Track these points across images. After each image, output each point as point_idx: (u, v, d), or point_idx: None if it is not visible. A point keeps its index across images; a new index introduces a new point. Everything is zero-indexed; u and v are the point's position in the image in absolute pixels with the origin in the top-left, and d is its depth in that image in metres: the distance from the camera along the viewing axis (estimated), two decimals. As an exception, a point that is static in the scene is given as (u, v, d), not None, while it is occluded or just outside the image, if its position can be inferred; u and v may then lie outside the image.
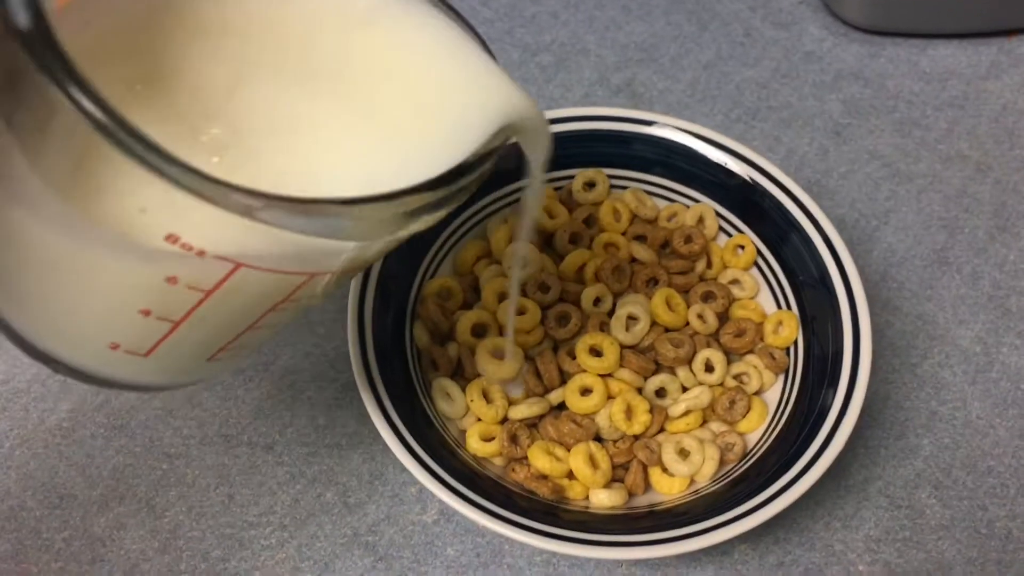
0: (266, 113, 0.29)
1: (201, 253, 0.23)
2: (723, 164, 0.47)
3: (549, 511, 0.40)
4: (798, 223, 0.45)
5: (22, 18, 0.20)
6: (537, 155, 0.33)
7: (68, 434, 0.46)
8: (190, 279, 0.25)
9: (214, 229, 0.23)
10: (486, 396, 0.43)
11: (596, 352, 0.44)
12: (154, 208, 0.23)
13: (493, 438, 0.42)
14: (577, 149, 0.49)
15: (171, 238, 0.23)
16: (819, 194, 0.55)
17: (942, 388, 0.48)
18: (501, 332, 0.45)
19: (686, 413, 0.43)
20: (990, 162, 0.57)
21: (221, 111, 0.28)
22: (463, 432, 0.43)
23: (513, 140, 0.31)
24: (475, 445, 0.42)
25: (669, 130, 0.48)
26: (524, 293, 0.46)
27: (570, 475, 0.42)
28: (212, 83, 0.28)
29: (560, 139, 0.48)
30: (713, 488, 0.41)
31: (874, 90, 0.60)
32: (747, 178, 0.47)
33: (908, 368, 0.49)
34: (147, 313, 0.26)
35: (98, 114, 0.20)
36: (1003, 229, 0.54)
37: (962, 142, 0.58)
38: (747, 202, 0.47)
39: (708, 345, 0.45)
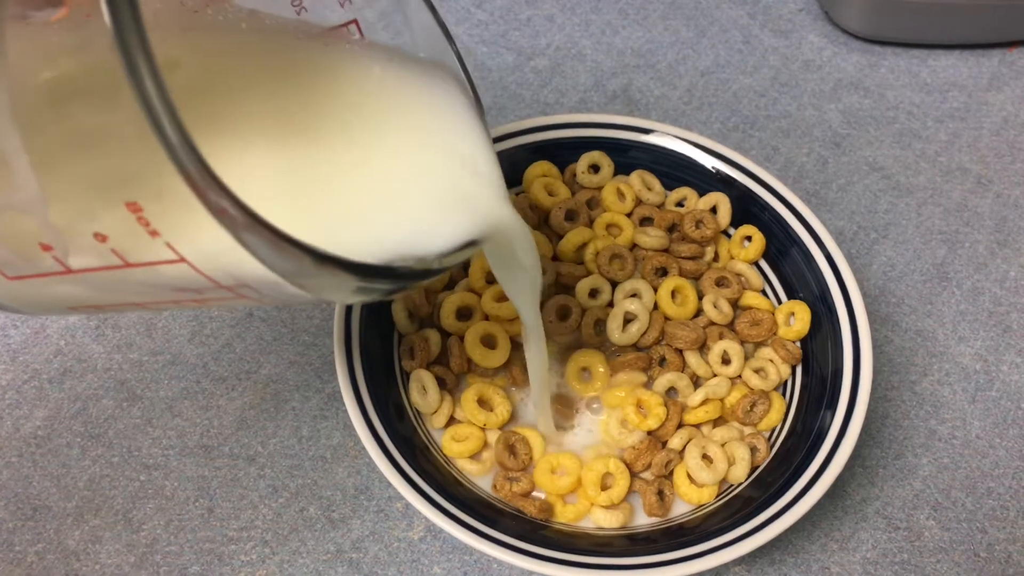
0: (281, 159, 0.28)
1: (154, 234, 0.22)
2: (722, 175, 0.46)
3: (539, 530, 0.39)
4: (798, 237, 0.44)
5: None
6: (521, 262, 0.33)
7: (43, 443, 0.45)
8: (122, 246, 0.23)
9: (181, 220, 0.21)
10: (483, 402, 0.42)
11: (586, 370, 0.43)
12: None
13: (468, 439, 0.41)
14: (573, 156, 0.48)
15: (132, 207, 0.21)
16: (817, 206, 0.54)
17: (942, 406, 0.47)
18: (487, 316, 0.44)
19: (705, 402, 0.42)
20: (991, 175, 0.56)
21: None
22: (435, 429, 0.42)
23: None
24: (449, 446, 0.41)
25: (667, 138, 0.47)
26: None
27: (567, 494, 0.41)
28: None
29: (556, 145, 0.47)
30: (709, 509, 0.40)
31: (874, 100, 0.59)
32: (746, 189, 0.46)
33: (907, 386, 0.48)
34: (47, 248, 0.24)
35: (133, 42, 0.18)
36: (1004, 244, 0.53)
37: (963, 155, 0.57)
38: (746, 213, 0.46)
39: (722, 336, 0.43)
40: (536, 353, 0.39)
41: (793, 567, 0.43)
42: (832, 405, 0.40)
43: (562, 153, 0.47)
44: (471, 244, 0.29)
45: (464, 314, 0.44)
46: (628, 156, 0.47)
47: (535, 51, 0.61)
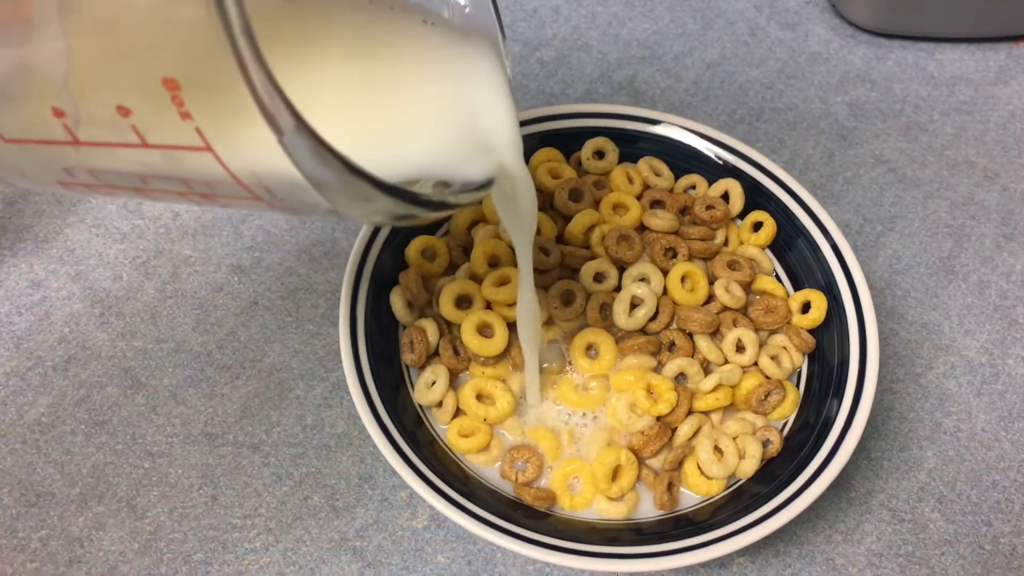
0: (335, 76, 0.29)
1: (186, 116, 0.21)
2: (729, 166, 0.46)
3: (544, 519, 0.39)
4: (805, 229, 0.44)
5: None
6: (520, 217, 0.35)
7: (47, 430, 0.45)
8: (145, 124, 0.22)
9: (219, 110, 0.20)
10: (482, 397, 0.42)
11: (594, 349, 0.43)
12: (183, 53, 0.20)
13: (474, 433, 0.41)
14: (579, 146, 0.47)
15: (170, 84, 0.20)
16: (824, 198, 0.54)
17: (947, 399, 0.47)
18: (488, 305, 0.43)
19: (716, 388, 0.41)
20: (997, 169, 0.56)
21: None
22: (441, 424, 0.42)
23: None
24: (456, 441, 0.41)
25: (674, 129, 0.47)
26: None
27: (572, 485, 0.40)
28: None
29: (562, 135, 0.47)
30: (715, 499, 0.40)
31: (881, 93, 0.59)
32: (753, 181, 0.45)
33: (912, 378, 0.48)
34: (59, 114, 0.23)
35: None
36: (1010, 238, 0.53)
37: (969, 148, 0.57)
38: (753, 205, 0.46)
39: (736, 323, 0.43)
40: (527, 303, 0.39)
41: (797, 558, 0.42)
42: (838, 397, 0.39)
43: (568, 143, 0.47)
44: (484, 187, 0.31)
45: (463, 301, 0.44)
46: (635, 147, 0.47)
47: (541, 42, 0.61)
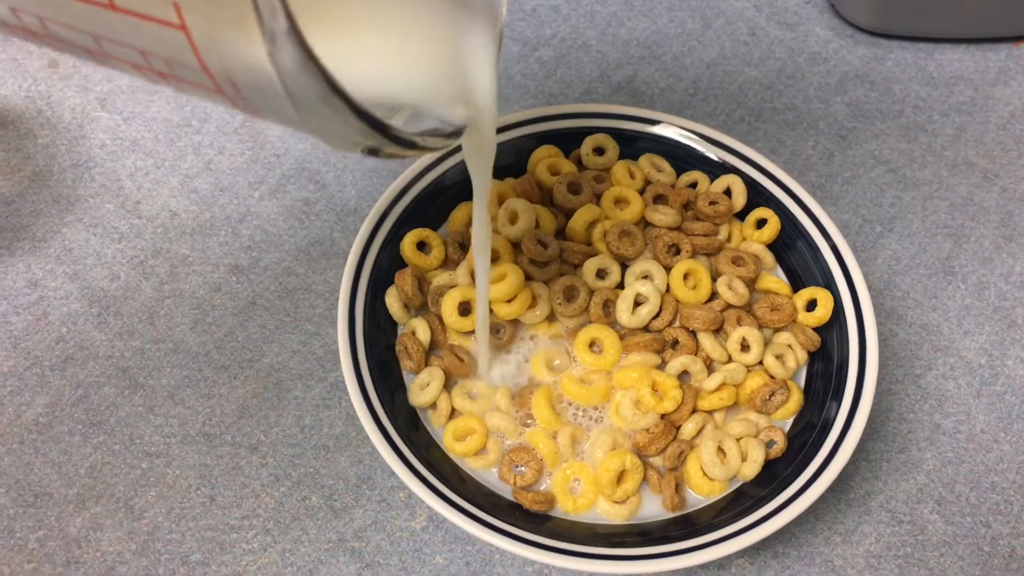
0: None
1: None
2: (729, 166, 0.46)
3: (543, 521, 0.39)
4: (804, 230, 0.44)
5: None
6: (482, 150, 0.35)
7: (44, 430, 0.45)
8: None
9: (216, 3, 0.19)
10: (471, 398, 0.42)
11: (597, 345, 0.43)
12: None
13: (470, 435, 0.41)
14: (579, 146, 0.47)
15: None
16: (823, 199, 0.54)
17: (946, 401, 0.47)
18: (491, 310, 0.43)
19: (721, 387, 0.41)
20: (997, 170, 0.55)
21: None
22: (437, 427, 0.42)
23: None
24: (452, 445, 0.41)
25: (674, 129, 0.46)
26: (518, 250, 0.44)
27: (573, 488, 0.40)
28: None
29: (561, 135, 0.47)
30: (716, 500, 0.40)
31: (880, 93, 0.59)
32: (752, 181, 0.45)
33: (912, 379, 0.47)
34: None
35: None
36: (1010, 239, 0.53)
37: (969, 149, 0.56)
38: (752, 206, 0.46)
39: (740, 321, 0.43)
40: (480, 228, 0.38)
41: (796, 560, 0.42)
42: (838, 396, 0.39)
43: (567, 143, 0.47)
44: (454, 135, 0.31)
45: (464, 310, 0.43)
46: (635, 147, 0.47)
47: (540, 41, 0.61)
